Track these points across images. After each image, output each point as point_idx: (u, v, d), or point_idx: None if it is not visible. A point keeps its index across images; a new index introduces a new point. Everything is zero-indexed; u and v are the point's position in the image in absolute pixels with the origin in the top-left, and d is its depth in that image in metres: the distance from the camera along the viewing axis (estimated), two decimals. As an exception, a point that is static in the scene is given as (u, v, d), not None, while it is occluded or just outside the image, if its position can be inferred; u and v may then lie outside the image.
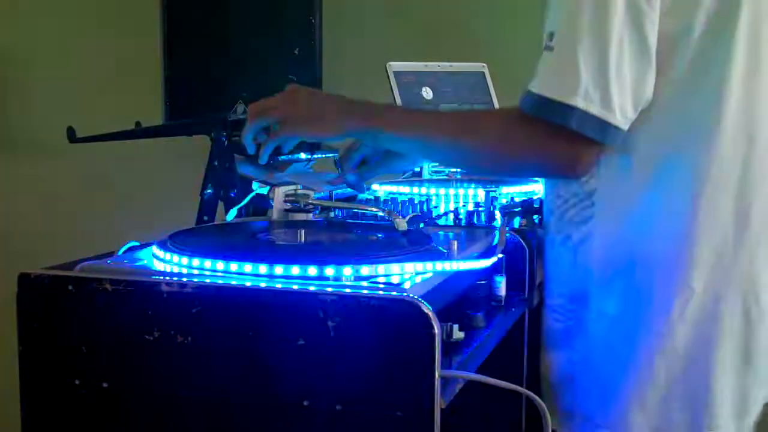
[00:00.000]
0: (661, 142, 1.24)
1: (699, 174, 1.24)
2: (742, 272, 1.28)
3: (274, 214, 1.45)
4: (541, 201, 1.55)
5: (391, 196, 1.74)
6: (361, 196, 1.71)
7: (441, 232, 1.47)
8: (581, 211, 1.31)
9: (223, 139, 2.30)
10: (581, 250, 1.33)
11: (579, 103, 1.15)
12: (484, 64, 2.15)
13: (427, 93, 2.03)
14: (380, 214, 1.46)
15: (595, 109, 1.16)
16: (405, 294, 1.03)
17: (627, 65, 1.17)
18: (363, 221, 1.48)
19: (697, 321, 1.27)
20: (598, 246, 1.31)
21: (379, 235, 1.35)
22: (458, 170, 1.90)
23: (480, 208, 1.58)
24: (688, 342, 1.27)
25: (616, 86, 1.16)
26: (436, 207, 1.69)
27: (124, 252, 1.26)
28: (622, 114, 1.17)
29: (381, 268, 1.13)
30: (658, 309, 1.27)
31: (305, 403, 1.05)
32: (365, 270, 1.11)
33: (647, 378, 1.29)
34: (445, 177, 1.97)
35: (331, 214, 1.54)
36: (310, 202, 1.45)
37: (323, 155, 1.58)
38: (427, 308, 1.00)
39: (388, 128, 1.33)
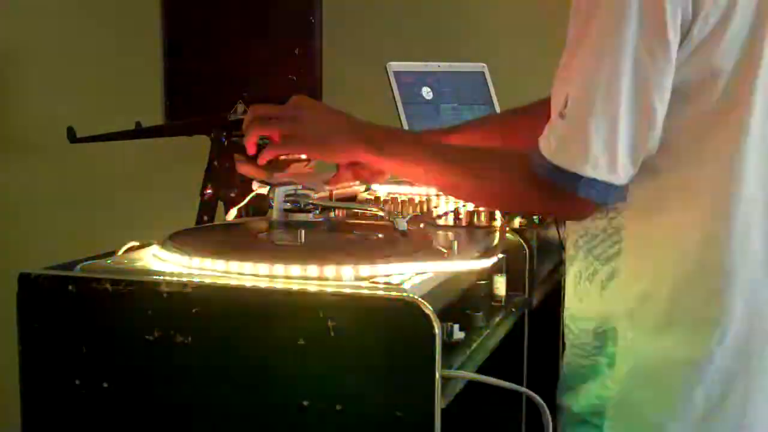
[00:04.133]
0: (688, 179, 1.24)
1: (727, 207, 1.24)
2: None
3: (274, 214, 1.45)
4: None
5: (391, 196, 1.74)
6: (360, 195, 1.71)
7: (441, 232, 1.46)
8: (608, 247, 1.29)
9: (223, 140, 2.31)
10: (609, 286, 1.29)
11: (588, 171, 1.19)
12: (484, 64, 2.15)
13: (428, 93, 2.03)
14: (380, 214, 1.46)
15: (602, 176, 1.19)
16: (405, 294, 1.03)
17: (633, 130, 1.19)
18: (363, 221, 1.48)
19: (738, 347, 1.25)
20: (627, 282, 1.28)
21: (379, 235, 1.35)
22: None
23: (480, 208, 1.58)
24: (730, 368, 1.25)
25: (621, 152, 1.19)
26: (436, 207, 1.69)
27: (124, 252, 1.26)
28: (625, 174, 1.20)
29: (381, 268, 1.12)
30: (698, 338, 1.25)
31: (305, 403, 1.05)
32: (365, 270, 1.11)
33: (687, 409, 1.26)
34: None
35: (331, 214, 1.54)
36: (310, 202, 1.45)
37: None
38: (427, 308, 1.00)
39: (393, 161, 1.36)
